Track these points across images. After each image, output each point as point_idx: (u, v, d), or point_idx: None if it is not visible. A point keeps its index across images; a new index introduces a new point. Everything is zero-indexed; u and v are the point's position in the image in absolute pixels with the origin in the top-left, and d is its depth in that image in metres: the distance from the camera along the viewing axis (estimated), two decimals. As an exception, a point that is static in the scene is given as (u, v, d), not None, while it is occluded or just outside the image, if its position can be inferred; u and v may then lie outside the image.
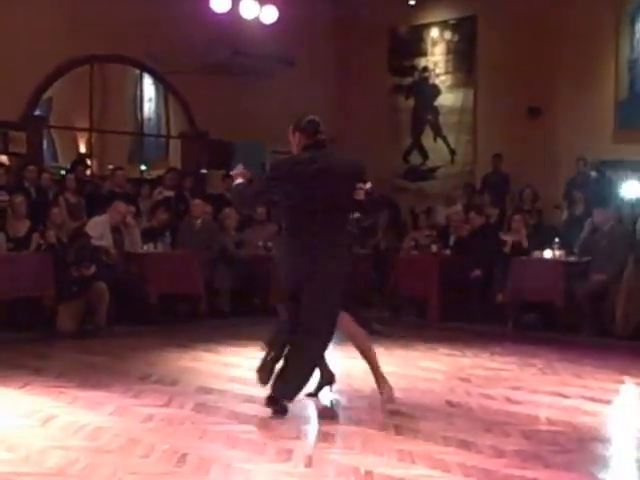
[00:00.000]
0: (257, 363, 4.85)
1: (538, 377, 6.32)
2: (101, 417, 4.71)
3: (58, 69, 11.79)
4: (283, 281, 4.84)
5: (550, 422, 4.82)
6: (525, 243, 9.54)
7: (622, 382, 6.26)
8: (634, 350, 7.70)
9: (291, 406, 4.79)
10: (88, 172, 12.29)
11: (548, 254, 9.07)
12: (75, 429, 4.41)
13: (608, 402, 5.47)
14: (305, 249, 4.68)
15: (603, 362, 6.99)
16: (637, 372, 6.52)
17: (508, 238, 9.68)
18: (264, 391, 5.36)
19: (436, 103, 13.42)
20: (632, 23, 11.37)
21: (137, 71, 13.71)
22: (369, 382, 5.09)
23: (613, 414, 5.29)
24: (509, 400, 5.37)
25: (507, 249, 9.54)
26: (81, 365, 6.47)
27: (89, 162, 13.30)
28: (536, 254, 9.19)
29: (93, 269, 8.06)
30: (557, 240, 9.09)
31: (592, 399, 5.44)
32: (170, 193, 10.87)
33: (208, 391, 5.47)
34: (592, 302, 8.53)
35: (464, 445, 4.20)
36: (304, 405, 5.07)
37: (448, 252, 9.96)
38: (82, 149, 14.85)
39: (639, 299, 8.15)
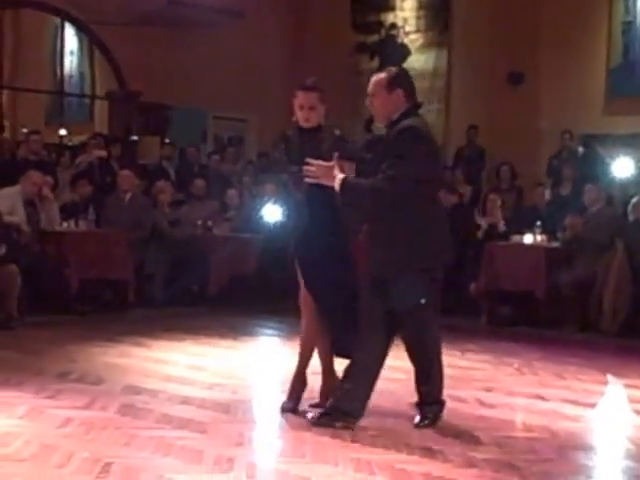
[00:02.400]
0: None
1: (514, 377, 6.40)
2: (11, 420, 4.64)
3: (-40, 15, 11.58)
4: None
5: (527, 428, 4.89)
6: (502, 226, 9.63)
7: (608, 383, 6.38)
8: (622, 348, 7.87)
9: (236, 410, 4.82)
10: (-3, 136, 12.09)
11: (528, 239, 9.17)
12: (-21, 435, 4.35)
13: (592, 405, 5.56)
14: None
15: (588, 361, 7.11)
16: (625, 372, 6.64)
17: (483, 221, 9.77)
18: (200, 391, 5.36)
19: (405, 65, 13.41)
20: (628, -20, 11.49)
21: (57, 19, 13.48)
22: (319, 383, 5.09)
23: (597, 419, 5.37)
24: (481, 403, 5.43)
25: (481, 234, 9.63)
26: (-13, 361, 6.38)
27: (-2, 125, 13.10)
28: (515, 238, 9.29)
29: (2, 249, 7.97)
30: (539, 223, 9.21)
31: (574, 402, 5.52)
32: (102, 153, 10.67)
33: (137, 391, 5.43)
34: (577, 293, 8.66)
35: (429, 453, 4.24)
36: (248, 408, 5.08)
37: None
38: (-10, 110, 14.63)
39: (628, 290, 8.30)
